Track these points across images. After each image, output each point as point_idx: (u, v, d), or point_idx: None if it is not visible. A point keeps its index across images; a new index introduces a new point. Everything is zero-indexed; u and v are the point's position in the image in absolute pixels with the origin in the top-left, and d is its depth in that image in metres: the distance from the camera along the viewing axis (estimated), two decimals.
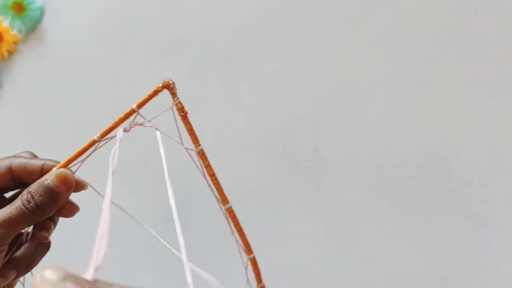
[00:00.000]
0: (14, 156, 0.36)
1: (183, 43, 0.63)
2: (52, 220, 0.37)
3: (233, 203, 0.59)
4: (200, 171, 0.35)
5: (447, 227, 0.49)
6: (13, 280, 0.36)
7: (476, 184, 0.48)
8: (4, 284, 0.36)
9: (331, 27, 0.54)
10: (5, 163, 0.35)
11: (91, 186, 0.37)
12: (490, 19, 0.48)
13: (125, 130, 0.35)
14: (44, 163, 0.35)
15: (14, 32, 0.76)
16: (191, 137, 0.35)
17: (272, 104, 0.57)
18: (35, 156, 0.37)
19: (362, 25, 0.53)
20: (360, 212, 0.53)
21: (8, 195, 0.38)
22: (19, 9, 0.74)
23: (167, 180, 0.32)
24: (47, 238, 0.36)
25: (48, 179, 0.34)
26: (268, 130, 0.58)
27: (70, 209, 0.37)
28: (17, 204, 0.33)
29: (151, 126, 0.35)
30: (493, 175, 0.47)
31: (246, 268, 0.36)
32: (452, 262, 0.49)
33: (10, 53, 0.76)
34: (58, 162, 0.36)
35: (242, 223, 0.59)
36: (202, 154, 0.35)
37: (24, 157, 0.36)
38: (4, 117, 0.78)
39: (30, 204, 0.33)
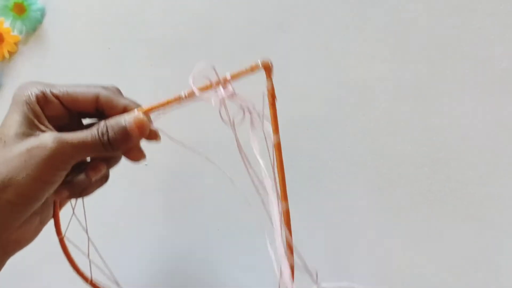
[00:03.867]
0: (103, 87, 0.38)
1: (183, 43, 0.63)
2: (107, 163, 0.39)
3: (233, 203, 0.59)
4: (270, 161, 0.34)
5: (447, 227, 0.49)
6: (65, 199, 0.39)
7: (475, 184, 0.48)
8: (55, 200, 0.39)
9: (331, 27, 0.55)
10: (94, 91, 0.37)
11: (169, 136, 0.38)
12: (490, 19, 0.48)
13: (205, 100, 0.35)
14: (127, 104, 0.37)
15: (15, 33, 0.76)
16: (273, 125, 0.34)
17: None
18: (120, 93, 0.39)
19: (362, 25, 0.53)
20: (359, 212, 0.53)
21: (85, 121, 0.40)
22: (19, 10, 0.74)
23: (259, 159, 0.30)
24: (91, 179, 0.38)
25: (126, 119, 0.35)
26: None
27: (137, 155, 0.39)
28: (93, 132, 0.35)
29: (244, 104, 0.34)
30: (493, 175, 0.47)
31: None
32: (452, 262, 0.49)
33: (11, 54, 0.76)
34: (140, 106, 0.37)
35: (243, 224, 0.59)
36: (278, 146, 0.34)
37: (112, 91, 0.38)
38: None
39: (104, 136, 0.35)
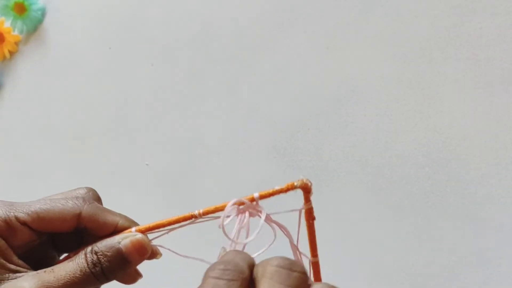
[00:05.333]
0: (83, 200, 0.31)
1: (184, 43, 0.63)
2: None
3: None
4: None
5: (447, 227, 0.49)
6: None
7: (476, 184, 0.48)
8: None
9: (331, 27, 0.55)
10: (75, 208, 0.30)
11: (174, 252, 0.32)
12: (490, 19, 0.48)
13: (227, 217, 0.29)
14: (119, 222, 0.31)
15: (16, 32, 0.76)
16: (311, 246, 0.31)
17: (272, 104, 0.57)
18: (101, 202, 0.33)
19: (362, 25, 0.53)
20: (360, 212, 0.53)
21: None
22: (20, 9, 0.74)
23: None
24: None
25: (121, 242, 0.29)
26: (268, 130, 0.58)
27: (133, 276, 0.32)
28: (81, 266, 0.28)
29: (271, 222, 0.30)
30: (493, 175, 0.47)
31: None
32: (452, 262, 0.49)
33: (12, 53, 0.76)
34: (134, 223, 0.31)
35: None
36: (315, 266, 0.31)
37: (96, 206, 0.31)
38: (5, 117, 0.78)
39: (96, 268, 0.28)
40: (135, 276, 0.32)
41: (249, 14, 0.59)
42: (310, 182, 0.29)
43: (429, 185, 0.50)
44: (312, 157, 0.55)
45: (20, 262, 0.29)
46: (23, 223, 0.30)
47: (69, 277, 0.28)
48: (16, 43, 0.76)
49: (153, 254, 0.31)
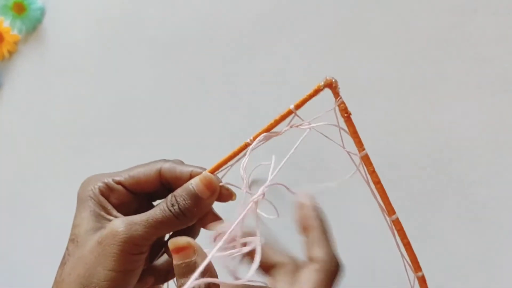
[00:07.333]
0: (164, 160, 0.36)
1: (183, 43, 0.63)
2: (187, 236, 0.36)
3: (234, 204, 0.59)
4: (363, 178, 0.32)
5: (448, 227, 0.49)
6: (150, 287, 0.36)
7: (477, 185, 0.48)
8: None
9: (331, 27, 0.55)
10: (156, 166, 0.35)
11: (244, 190, 0.35)
12: (491, 19, 0.48)
13: (275, 135, 0.33)
14: (193, 170, 0.35)
15: (15, 32, 0.75)
16: (355, 141, 0.32)
17: (272, 104, 0.57)
18: (183, 163, 0.37)
19: (362, 25, 0.53)
20: (360, 212, 0.53)
21: (155, 203, 0.37)
22: (19, 9, 0.74)
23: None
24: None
25: (193, 183, 0.34)
26: None
27: (212, 220, 0.36)
28: (161, 207, 0.33)
29: (311, 128, 0.33)
30: (494, 176, 0.47)
31: (412, 287, 0.32)
32: (452, 262, 0.49)
33: (11, 53, 0.76)
34: (205, 169, 0.35)
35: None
36: (366, 159, 0.33)
37: (173, 162, 0.36)
38: (4, 117, 0.78)
39: (174, 207, 0.33)
40: (215, 219, 0.36)
41: (248, 13, 0.59)
42: (334, 78, 0.31)
43: (429, 185, 0.50)
44: (314, 157, 0.55)
45: (118, 214, 0.34)
46: (118, 183, 0.35)
47: (150, 215, 0.33)
48: (15, 43, 0.76)
49: (228, 195, 0.36)
